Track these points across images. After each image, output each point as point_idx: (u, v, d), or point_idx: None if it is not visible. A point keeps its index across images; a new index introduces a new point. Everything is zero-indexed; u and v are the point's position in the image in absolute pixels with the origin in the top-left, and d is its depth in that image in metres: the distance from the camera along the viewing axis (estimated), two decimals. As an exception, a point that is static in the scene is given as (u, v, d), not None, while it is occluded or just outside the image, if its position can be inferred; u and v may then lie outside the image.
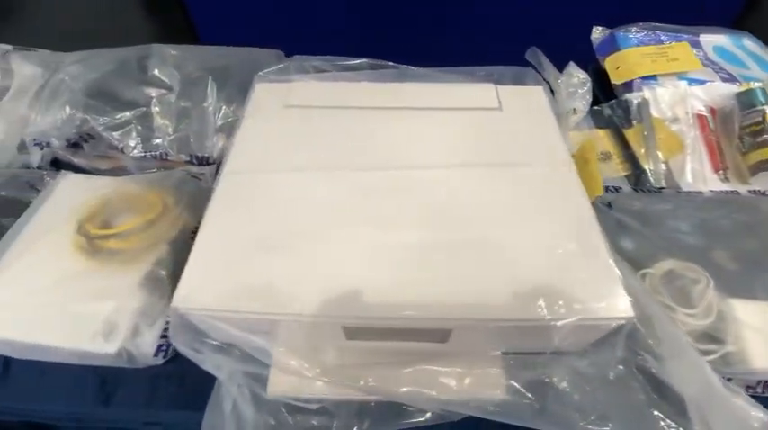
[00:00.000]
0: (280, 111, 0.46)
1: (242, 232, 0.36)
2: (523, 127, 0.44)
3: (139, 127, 0.54)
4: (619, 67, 0.66)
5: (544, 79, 0.54)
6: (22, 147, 0.57)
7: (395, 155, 0.41)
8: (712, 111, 0.60)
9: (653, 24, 0.71)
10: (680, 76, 0.64)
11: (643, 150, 0.57)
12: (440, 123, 0.44)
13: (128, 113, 0.54)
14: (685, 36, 0.70)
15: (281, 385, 0.37)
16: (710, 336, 0.39)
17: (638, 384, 0.36)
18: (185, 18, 1.26)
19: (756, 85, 0.58)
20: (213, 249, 0.35)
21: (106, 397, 0.42)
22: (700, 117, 0.59)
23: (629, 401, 0.35)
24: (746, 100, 0.57)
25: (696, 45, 0.69)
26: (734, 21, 1.06)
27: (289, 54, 0.59)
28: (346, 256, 0.35)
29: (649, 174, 0.55)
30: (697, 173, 0.55)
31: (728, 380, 0.35)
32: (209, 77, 0.56)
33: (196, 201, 0.47)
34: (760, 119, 0.54)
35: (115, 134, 0.53)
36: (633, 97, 0.61)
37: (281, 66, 0.52)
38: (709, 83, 0.62)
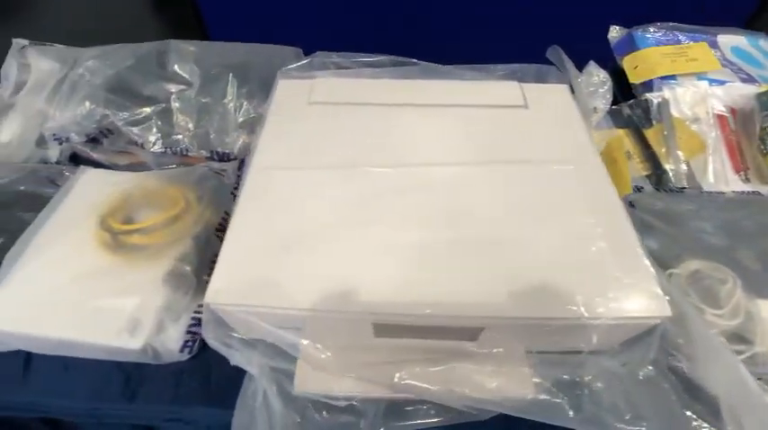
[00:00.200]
0: (304, 108, 0.46)
1: (271, 228, 0.36)
2: (550, 125, 0.43)
3: (159, 122, 0.54)
4: (637, 66, 0.65)
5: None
6: (41, 142, 0.56)
7: (422, 152, 0.41)
8: (732, 111, 0.60)
9: (670, 24, 0.70)
10: (699, 76, 0.63)
11: (663, 150, 0.56)
12: (466, 121, 0.44)
13: (147, 109, 0.53)
14: (703, 36, 0.69)
15: (308, 382, 0.37)
16: (739, 337, 0.39)
17: (670, 384, 0.36)
18: (194, 15, 1.25)
19: (778, 85, 0.57)
20: (243, 245, 0.35)
21: (131, 393, 0.42)
22: (720, 117, 0.59)
23: (660, 401, 0.35)
24: (767, 101, 0.57)
25: (714, 45, 0.69)
26: (747, 21, 1.05)
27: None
28: (377, 253, 0.35)
29: (670, 174, 0.54)
30: (719, 173, 0.55)
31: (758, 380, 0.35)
32: (230, 74, 0.55)
33: (218, 197, 0.47)
34: (781, 120, 0.54)
35: (135, 129, 0.53)
36: (653, 97, 0.60)
37: (303, 62, 0.51)
38: (728, 83, 0.62)
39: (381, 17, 1.08)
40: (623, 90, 0.66)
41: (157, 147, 0.53)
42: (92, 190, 0.48)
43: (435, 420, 0.37)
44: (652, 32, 0.69)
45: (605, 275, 0.33)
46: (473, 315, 0.32)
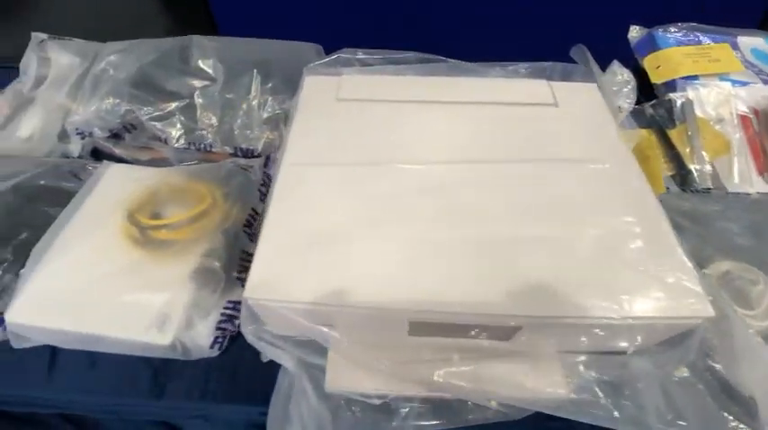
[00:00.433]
0: (332, 105, 0.46)
1: (306, 224, 0.36)
2: (581, 123, 0.43)
3: (182, 118, 0.53)
4: (659, 66, 0.65)
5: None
6: (63, 137, 0.56)
7: (453, 149, 0.41)
8: (755, 112, 0.60)
9: (691, 24, 0.70)
10: (721, 76, 0.63)
11: (688, 150, 0.56)
12: (496, 118, 0.43)
13: (171, 104, 0.53)
14: (724, 37, 0.69)
15: (339, 380, 0.36)
16: (769, 337, 0.39)
17: (705, 385, 0.36)
18: (204, 11, 1.25)
19: (801, 87, 0.57)
20: (279, 241, 0.35)
21: (159, 389, 0.41)
22: (744, 118, 0.59)
23: (697, 402, 0.35)
24: (792, 102, 0.56)
25: (735, 47, 0.69)
26: (760, 21, 1.05)
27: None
28: (412, 250, 0.34)
29: (695, 175, 0.54)
30: (744, 174, 0.54)
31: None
32: (254, 70, 0.55)
33: (245, 193, 0.47)
34: (805, 122, 0.54)
35: (158, 125, 0.53)
36: (676, 97, 0.60)
37: (329, 59, 0.51)
38: (751, 84, 0.62)
39: (389, 15, 1.08)
40: (643, 90, 0.66)
41: (181, 143, 0.53)
42: (118, 185, 0.48)
43: (468, 419, 0.37)
44: (673, 32, 0.69)
45: (646, 275, 0.32)
46: (513, 314, 0.31)
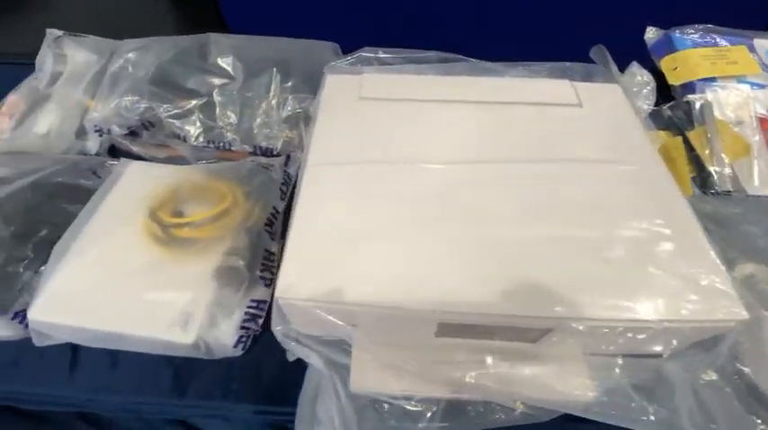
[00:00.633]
0: (354, 103, 0.46)
1: (334, 224, 0.35)
2: (607, 124, 0.43)
3: (201, 116, 0.53)
4: (677, 68, 0.65)
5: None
6: (80, 134, 0.56)
7: (479, 149, 0.41)
8: (774, 115, 0.60)
9: (707, 26, 0.70)
10: (739, 79, 0.63)
11: (707, 152, 0.56)
12: (520, 118, 0.43)
13: (190, 102, 0.53)
14: (740, 39, 0.69)
15: (364, 380, 0.36)
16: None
17: (733, 388, 0.35)
18: (213, 9, 1.24)
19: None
20: (308, 241, 0.34)
21: (182, 388, 0.41)
22: (762, 121, 0.59)
23: (725, 405, 0.35)
24: (811, 105, 0.56)
25: (751, 49, 0.68)
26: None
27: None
28: (441, 251, 0.34)
29: (715, 177, 0.54)
30: (764, 176, 0.54)
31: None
32: (273, 68, 0.55)
33: (267, 192, 0.46)
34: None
35: (177, 122, 0.53)
36: (695, 99, 0.60)
37: (351, 57, 0.51)
38: (769, 87, 0.62)
39: (400, 14, 1.08)
40: (660, 91, 0.66)
41: (200, 141, 0.52)
42: (138, 182, 0.48)
43: (494, 421, 0.36)
44: (690, 34, 0.69)
45: (679, 277, 0.32)
46: (546, 316, 0.31)
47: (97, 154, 0.55)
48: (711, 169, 0.55)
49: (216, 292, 0.40)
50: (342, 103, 0.45)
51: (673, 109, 0.61)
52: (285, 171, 0.49)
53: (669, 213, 0.36)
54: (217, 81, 0.54)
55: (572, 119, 0.43)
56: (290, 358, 0.37)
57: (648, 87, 0.59)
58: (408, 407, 0.36)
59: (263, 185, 0.46)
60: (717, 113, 0.59)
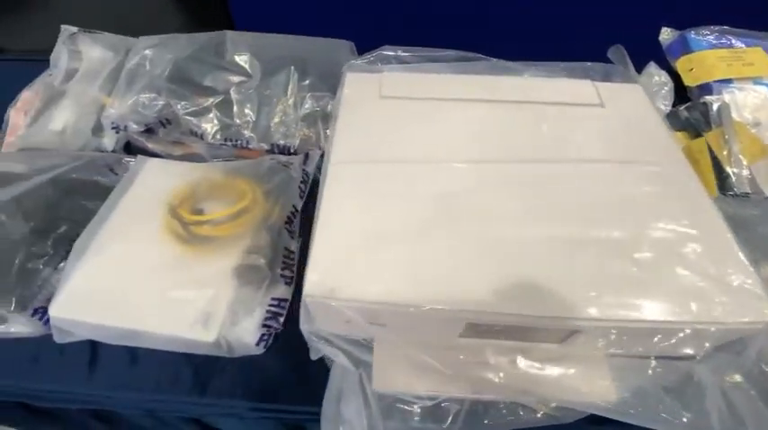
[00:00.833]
0: (376, 102, 0.45)
1: (359, 222, 0.35)
2: (630, 124, 0.43)
3: (219, 113, 0.53)
4: (692, 69, 0.65)
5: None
6: (96, 131, 0.56)
7: (502, 148, 0.41)
8: (791, 117, 0.59)
9: (722, 27, 0.70)
10: (756, 80, 0.63)
11: (725, 153, 0.56)
12: (544, 118, 0.43)
13: (207, 100, 0.53)
14: (755, 41, 0.69)
15: (387, 380, 0.36)
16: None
17: (758, 390, 0.35)
18: (220, 7, 1.24)
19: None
20: (334, 240, 0.34)
21: (201, 387, 0.41)
22: (780, 122, 0.59)
23: (751, 408, 0.34)
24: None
25: (766, 50, 0.68)
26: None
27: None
28: (469, 251, 0.34)
29: (733, 179, 0.54)
30: (782, 179, 0.54)
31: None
32: (291, 66, 0.55)
33: (286, 190, 0.46)
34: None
35: (195, 120, 0.52)
36: (712, 100, 0.60)
37: (371, 55, 0.51)
38: (786, 88, 0.62)
39: (410, 13, 1.07)
40: (677, 92, 0.65)
41: (217, 139, 0.52)
42: (157, 180, 0.47)
43: (518, 423, 0.36)
44: (705, 35, 0.69)
45: (708, 278, 0.32)
46: (576, 317, 0.31)
47: (113, 151, 0.55)
48: (729, 171, 0.54)
49: (237, 290, 0.40)
50: (363, 102, 0.45)
51: (689, 110, 0.61)
52: (303, 169, 0.49)
53: (696, 214, 0.36)
54: (234, 79, 0.54)
55: (595, 119, 0.43)
56: (314, 357, 0.37)
57: (666, 88, 0.59)
58: (432, 408, 0.36)
59: (283, 183, 0.46)
60: (734, 115, 0.59)
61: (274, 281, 0.41)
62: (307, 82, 0.54)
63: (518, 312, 0.31)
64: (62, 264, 0.43)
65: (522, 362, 0.36)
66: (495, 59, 0.52)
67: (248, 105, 0.53)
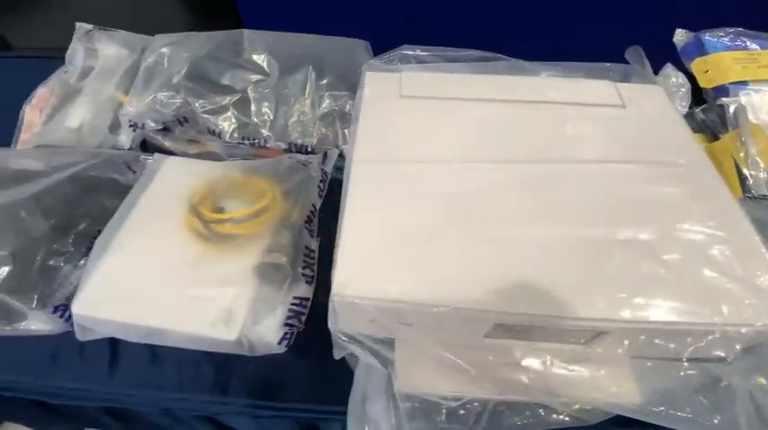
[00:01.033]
0: (396, 101, 0.45)
1: (385, 222, 0.35)
2: (652, 125, 0.43)
3: (236, 112, 0.53)
4: (708, 70, 0.65)
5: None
6: (113, 128, 0.56)
7: (526, 148, 0.41)
8: (806, 119, 0.59)
9: (737, 29, 0.69)
10: (771, 83, 0.63)
11: (742, 155, 0.56)
12: (566, 118, 0.43)
13: (225, 98, 0.53)
14: (769, 43, 0.69)
15: (410, 380, 0.36)
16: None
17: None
18: (228, 5, 1.24)
19: None
20: (361, 239, 0.34)
21: (222, 385, 0.41)
22: (796, 125, 0.59)
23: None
24: None
25: (781, 52, 0.68)
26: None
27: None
28: (496, 250, 0.34)
29: (750, 181, 0.54)
30: (799, 181, 0.54)
31: None
32: (309, 65, 0.54)
33: (306, 189, 0.46)
34: None
35: (212, 118, 0.52)
36: (729, 102, 0.60)
37: (390, 55, 0.51)
38: (801, 91, 0.61)
39: (421, 12, 1.07)
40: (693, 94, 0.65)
41: (234, 138, 0.52)
42: (176, 178, 0.47)
43: (542, 424, 0.36)
44: (719, 37, 0.69)
45: (737, 280, 0.32)
46: (606, 318, 0.31)
47: (129, 148, 0.55)
48: (747, 173, 0.54)
49: (259, 289, 0.40)
50: (383, 101, 0.45)
51: (706, 112, 0.61)
52: (322, 169, 0.49)
53: (722, 215, 0.36)
54: (251, 77, 0.54)
55: (617, 119, 0.43)
56: (337, 356, 0.37)
57: (683, 89, 0.59)
58: (456, 408, 0.36)
59: (303, 182, 0.46)
60: (750, 117, 0.59)
61: (296, 279, 0.41)
62: (324, 81, 0.54)
63: (547, 313, 0.31)
64: (82, 262, 0.43)
65: (546, 363, 0.36)
66: (513, 59, 0.52)
67: (266, 104, 0.53)
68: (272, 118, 0.53)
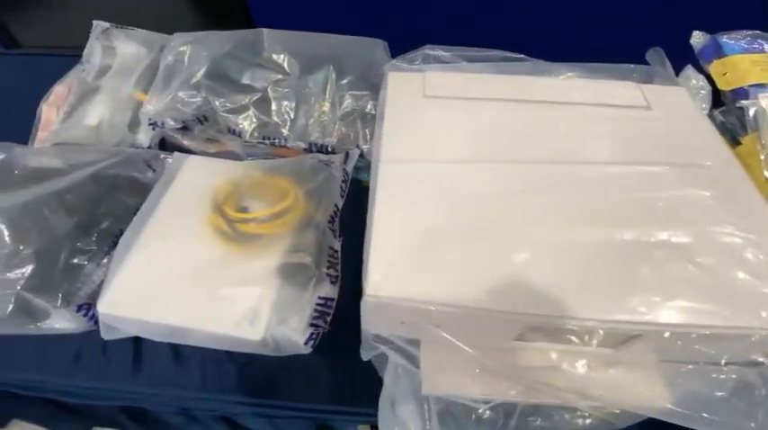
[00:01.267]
0: (420, 101, 0.45)
1: (415, 222, 0.35)
2: (679, 127, 0.43)
3: (256, 111, 0.53)
4: (726, 73, 0.65)
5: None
6: (132, 126, 0.56)
7: (553, 149, 0.40)
8: (825, 123, 0.59)
9: (755, 32, 0.69)
10: (788, 85, 0.63)
11: (762, 157, 0.56)
12: (592, 119, 0.43)
13: (245, 97, 0.52)
14: (787, 46, 0.68)
15: (437, 382, 0.36)
16: None
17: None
18: (238, 3, 1.23)
19: None
20: (392, 239, 0.34)
21: (245, 385, 0.41)
22: (815, 128, 0.58)
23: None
24: None
25: (798, 55, 0.68)
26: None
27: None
28: (526, 252, 0.34)
29: (771, 183, 0.54)
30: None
31: None
32: (329, 65, 0.54)
33: (329, 189, 0.46)
34: None
35: (232, 117, 0.52)
36: (748, 104, 0.59)
37: (413, 54, 0.50)
38: (819, 94, 0.61)
39: (431, 12, 1.07)
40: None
41: (255, 137, 0.52)
42: (198, 177, 0.47)
43: (571, 427, 0.36)
44: (737, 39, 0.69)
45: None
46: (639, 321, 0.31)
47: (148, 147, 0.55)
48: (767, 175, 0.54)
49: (284, 289, 0.40)
50: (407, 101, 0.45)
51: (725, 114, 0.61)
52: (344, 168, 0.49)
53: (753, 217, 0.36)
54: (272, 76, 0.54)
55: (643, 121, 0.43)
56: (365, 357, 0.36)
57: (703, 92, 0.59)
58: (485, 411, 0.36)
59: (326, 182, 0.46)
60: (770, 120, 0.58)
61: (321, 279, 0.41)
62: (345, 81, 0.54)
63: (581, 316, 0.31)
64: (105, 260, 0.43)
65: (576, 366, 0.36)
66: (535, 60, 0.51)
67: (286, 103, 0.53)
68: (292, 117, 0.52)
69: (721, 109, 0.62)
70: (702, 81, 0.59)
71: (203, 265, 0.41)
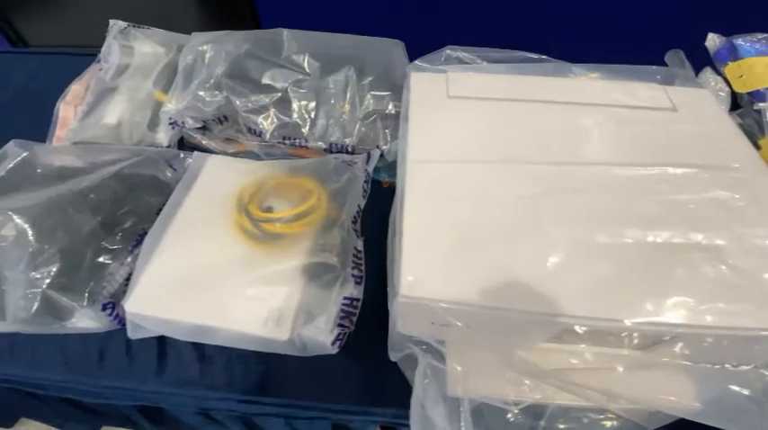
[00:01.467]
0: (444, 102, 0.45)
1: (445, 223, 0.35)
2: (706, 129, 0.42)
3: (277, 111, 0.52)
4: (742, 75, 0.65)
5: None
6: (151, 126, 0.55)
7: (581, 150, 0.40)
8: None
9: (769, 35, 0.70)
10: (804, 88, 0.63)
11: (781, 160, 0.56)
12: (618, 121, 0.43)
13: (266, 97, 0.52)
14: (802, 49, 0.69)
15: (464, 383, 0.36)
16: None
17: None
18: (245, 3, 1.23)
19: None
20: (423, 240, 0.34)
21: (268, 385, 0.41)
22: (833, 131, 0.58)
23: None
24: None
25: (813, 58, 0.68)
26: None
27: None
28: (559, 254, 0.33)
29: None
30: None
31: None
32: (351, 66, 0.54)
33: (352, 189, 0.46)
34: None
35: (252, 117, 0.52)
36: (765, 107, 0.60)
37: (434, 54, 0.50)
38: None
39: (442, 12, 1.07)
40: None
41: (275, 137, 0.52)
42: (221, 177, 0.47)
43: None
44: (753, 42, 0.69)
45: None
46: (676, 323, 0.31)
47: (168, 146, 0.55)
48: (786, 178, 0.54)
49: (310, 289, 0.40)
50: (431, 102, 0.45)
51: (742, 116, 0.61)
52: (365, 169, 0.49)
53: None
54: (292, 76, 0.54)
55: (670, 123, 0.43)
56: (394, 358, 0.36)
57: (722, 94, 0.59)
58: (516, 413, 0.35)
59: (349, 183, 0.46)
60: (788, 122, 0.58)
61: (346, 280, 0.41)
62: (365, 81, 0.54)
63: (615, 318, 0.31)
64: (128, 259, 0.43)
65: (606, 368, 0.35)
66: (556, 61, 0.51)
67: (306, 103, 0.53)
68: (312, 117, 0.52)
69: (738, 111, 0.62)
70: (721, 83, 0.59)
71: (229, 265, 0.41)
